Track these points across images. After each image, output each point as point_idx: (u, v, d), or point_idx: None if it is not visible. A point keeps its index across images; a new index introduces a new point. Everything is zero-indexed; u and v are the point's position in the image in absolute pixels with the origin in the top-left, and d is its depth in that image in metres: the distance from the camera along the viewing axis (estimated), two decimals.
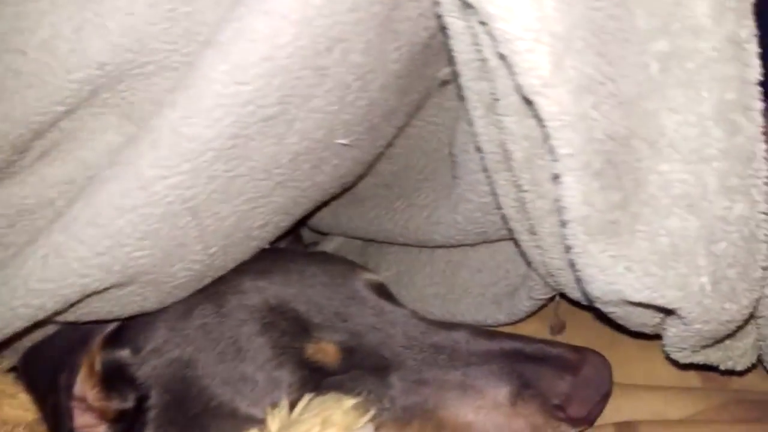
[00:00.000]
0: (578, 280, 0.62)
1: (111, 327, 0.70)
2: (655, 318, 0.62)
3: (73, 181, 0.60)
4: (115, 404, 0.68)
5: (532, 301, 0.75)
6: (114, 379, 0.68)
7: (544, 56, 0.48)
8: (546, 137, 0.52)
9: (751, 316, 0.62)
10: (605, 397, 0.66)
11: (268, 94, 0.53)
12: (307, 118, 0.58)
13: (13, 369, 0.74)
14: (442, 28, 0.59)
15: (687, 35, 0.53)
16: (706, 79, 0.54)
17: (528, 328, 0.76)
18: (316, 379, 0.66)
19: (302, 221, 0.79)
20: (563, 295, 0.73)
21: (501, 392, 0.66)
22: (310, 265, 0.73)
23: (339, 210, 0.86)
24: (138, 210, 0.55)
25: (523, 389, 0.65)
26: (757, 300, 0.60)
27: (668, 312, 0.60)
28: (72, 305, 0.61)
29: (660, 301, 0.56)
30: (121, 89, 0.58)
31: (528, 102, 0.52)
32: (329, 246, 0.95)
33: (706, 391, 0.71)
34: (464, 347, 0.68)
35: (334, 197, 0.79)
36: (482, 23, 0.50)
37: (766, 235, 0.56)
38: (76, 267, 0.56)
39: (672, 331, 0.62)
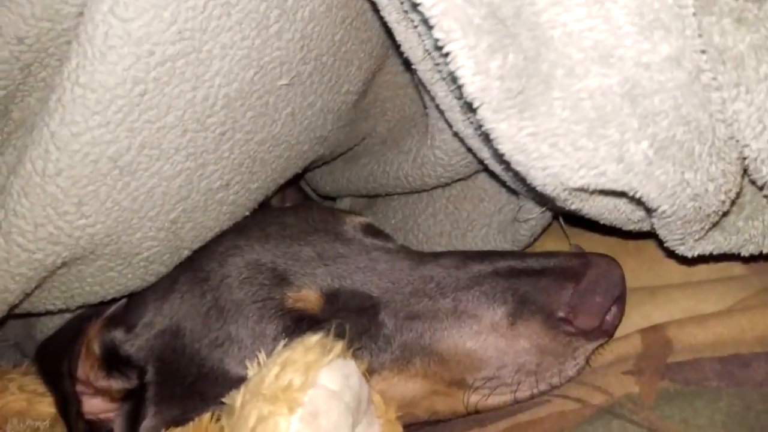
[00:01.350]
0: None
1: (111, 310, 0.70)
2: (634, 211, 0.53)
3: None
4: (119, 383, 0.67)
5: (529, 225, 0.67)
6: (113, 359, 0.68)
7: None
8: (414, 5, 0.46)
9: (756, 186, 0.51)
10: (619, 300, 0.58)
11: (162, 30, 0.51)
12: (224, 55, 0.55)
13: None
14: None
15: None
16: None
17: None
18: (301, 329, 0.62)
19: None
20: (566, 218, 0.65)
21: (497, 313, 0.59)
22: (290, 216, 0.70)
23: (336, 173, 0.83)
24: (63, 173, 0.54)
25: (522, 306, 0.59)
26: (746, 163, 0.49)
27: (636, 201, 0.50)
28: (39, 286, 0.61)
29: (602, 181, 0.48)
30: (56, 65, 0.56)
31: None
32: (340, 206, 0.91)
33: (746, 278, 0.60)
34: (453, 273, 0.62)
35: (327, 161, 0.75)
36: None
37: (712, 78, 0.46)
38: (21, 241, 0.56)
39: (656, 222, 0.52)
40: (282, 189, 0.76)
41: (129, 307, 0.70)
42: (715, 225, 0.53)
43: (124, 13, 0.50)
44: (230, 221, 0.67)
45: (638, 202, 0.50)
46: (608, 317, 0.58)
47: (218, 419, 0.61)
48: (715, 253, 0.57)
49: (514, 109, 0.46)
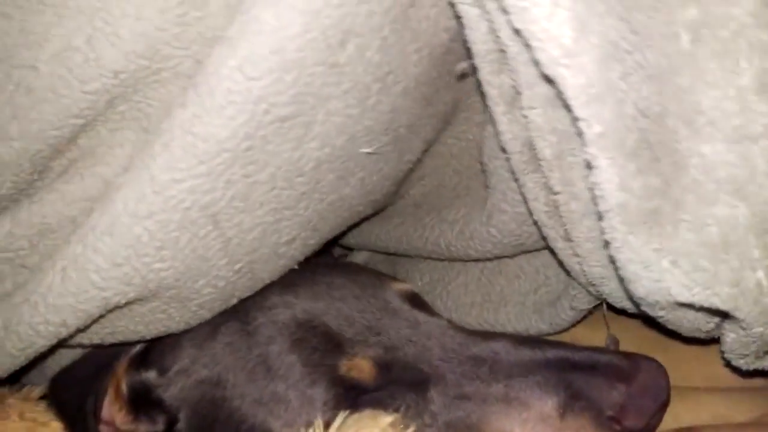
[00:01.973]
0: (622, 282, 0.58)
1: (136, 349, 0.68)
2: (709, 323, 0.57)
3: (93, 198, 0.58)
4: (144, 427, 0.66)
5: (574, 311, 0.71)
6: (141, 401, 0.66)
7: (564, 22, 0.45)
8: (574, 119, 0.48)
9: None
10: (663, 406, 0.62)
11: (282, 91, 0.51)
12: (326, 121, 0.55)
13: (43, 397, 0.73)
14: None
15: (718, 1, 0.49)
16: (743, 48, 0.49)
17: (575, 335, 0.72)
18: (351, 397, 0.62)
19: (332, 241, 0.75)
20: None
21: (548, 404, 0.61)
22: (338, 277, 0.70)
23: (365, 228, 0.83)
24: (154, 216, 0.53)
25: (573, 400, 0.61)
26: None
27: (723, 315, 0.55)
28: (94, 322, 0.59)
29: (713, 301, 0.51)
30: (138, 99, 0.56)
31: (550, 81, 0.48)
32: (357, 259, 0.92)
33: (766, 392, 0.65)
34: (506, 358, 0.64)
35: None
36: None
37: None
38: (95, 279, 0.55)
39: (730, 336, 0.57)
40: None
41: (158, 348, 0.68)
42: None
43: (251, 72, 0.50)
44: (280, 274, 0.67)
45: (727, 317, 0.54)
46: (651, 421, 0.62)
47: None
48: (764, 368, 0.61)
49: (645, 225, 0.49)
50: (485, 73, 0.56)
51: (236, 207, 0.56)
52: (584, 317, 0.73)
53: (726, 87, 0.49)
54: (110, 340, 0.64)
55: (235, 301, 0.66)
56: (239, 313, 0.67)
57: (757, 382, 0.67)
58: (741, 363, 0.60)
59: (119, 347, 0.68)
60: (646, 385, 0.61)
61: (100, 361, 0.67)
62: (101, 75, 0.53)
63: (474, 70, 0.58)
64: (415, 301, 0.71)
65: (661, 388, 0.61)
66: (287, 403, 0.63)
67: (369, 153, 0.61)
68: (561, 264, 0.67)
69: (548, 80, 0.49)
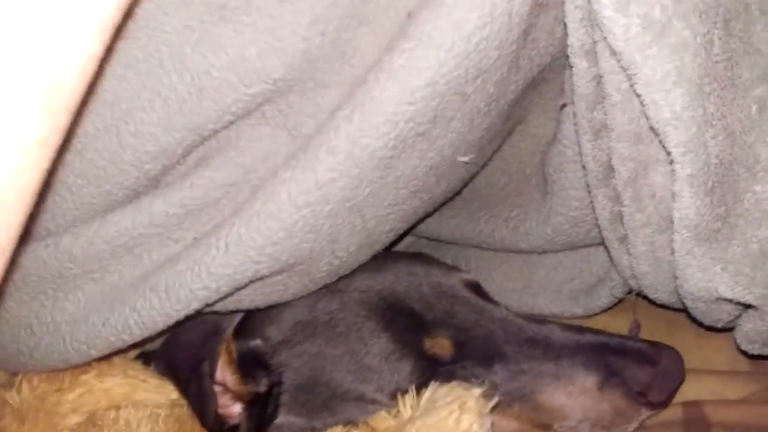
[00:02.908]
0: (665, 282, 0.73)
1: (238, 318, 0.78)
2: (731, 315, 0.73)
3: (235, 184, 0.68)
4: (250, 388, 0.76)
5: (611, 298, 0.85)
6: (249, 365, 0.76)
7: (678, 96, 0.60)
8: (670, 161, 0.63)
9: None
10: (679, 385, 0.77)
11: (426, 114, 0.62)
12: (445, 136, 0.66)
13: (137, 357, 0.82)
14: (552, 62, 0.69)
15: None
16: None
17: (601, 322, 0.87)
18: (432, 368, 0.75)
19: None
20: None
21: (589, 380, 0.76)
22: (416, 265, 0.83)
23: None
24: (312, 206, 0.64)
25: (609, 378, 0.76)
26: None
27: (748, 307, 0.71)
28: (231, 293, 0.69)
29: (748, 297, 0.68)
30: (281, 103, 0.65)
31: (654, 131, 0.62)
32: (402, 243, 1.03)
33: (754, 375, 0.82)
34: (555, 340, 0.78)
35: None
36: (621, 67, 0.60)
37: None
38: (253, 255, 0.64)
39: (748, 326, 0.73)
40: None
41: (258, 319, 0.79)
42: None
43: (409, 98, 0.60)
44: (365, 261, 0.78)
45: (747, 307, 0.70)
46: (670, 396, 0.77)
47: None
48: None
49: (707, 241, 0.65)
50: (581, 109, 0.69)
51: (367, 202, 0.67)
52: (612, 306, 0.88)
53: None
54: (230, 307, 0.73)
55: (336, 278, 0.76)
56: (335, 294, 0.78)
57: (742, 366, 0.84)
58: (749, 348, 0.76)
59: (219, 318, 0.78)
60: (667, 368, 0.76)
61: (206, 328, 0.76)
62: (263, 81, 0.62)
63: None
64: (478, 290, 0.84)
65: (678, 371, 0.77)
66: (380, 372, 0.75)
67: (465, 163, 0.72)
68: (611, 259, 0.81)
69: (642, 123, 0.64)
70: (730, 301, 0.69)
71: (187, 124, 0.63)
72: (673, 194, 0.64)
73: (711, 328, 0.78)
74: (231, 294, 0.68)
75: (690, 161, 0.62)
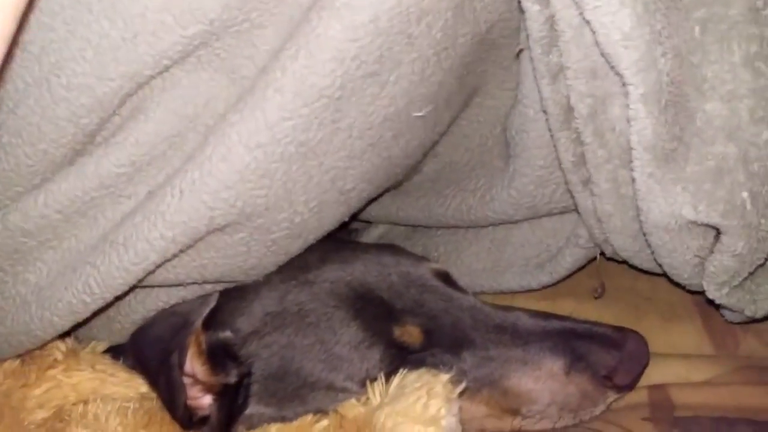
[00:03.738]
0: (629, 224, 0.76)
1: (208, 310, 0.78)
2: (699, 252, 0.73)
3: (180, 134, 0.68)
4: (220, 379, 0.75)
5: (576, 258, 0.87)
6: (218, 357, 0.76)
7: (626, 16, 0.62)
8: (623, 83, 0.65)
9: None
10: (644, 368, 0.78)
11: (371, 52, 0.63)
12: (395, 83, 0.67)
13: (106, 351, 0.81)
14: (500, 22, 0.73)
15: (719, 5, 0.68)
16: (735, 37, 0.67)
17: (568, 308, 0.88)
18: (402, 356, 0.76)
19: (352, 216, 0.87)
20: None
21: (556, 364, 0.77)
22: (385, 256, 0.83)
23: (386, 201, 0.94)
24: (263, 147, 0.64)
25: (576, 362, 0.77)
26: None
27: (714, 241, 0.72)
28: (189, 248, 0.69)
29: (712, 215, 0.69)
30: (217, 46, 0.65)
31: (605, 61, 0.65)
32: (375, 233, 1.03)
33: (719, 358, 0.83)
34: (523, 327, 0.79)
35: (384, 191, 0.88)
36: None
37: None
38: (207, 199, 0.65)
39: (715, 262, 0.72)
40: None
41: (228, 311, 0.79)
42: (744, 279, 0.74)
43: (353, 35, 0.61)
44: (337, 223, 0.78)
45: (715, 239, 0.72)
46: (635, 379, 0.79)
47: (317, 421, 0.73)
48: (729, 306, 0.78)
49: (665, 161, 0.67)
50: (537, 54, 0.71)
51: (321, 149, 0.67)
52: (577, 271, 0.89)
53: (723, 62, 0.68)
54: (193, 275, 0.73)
55: (300, 243, 0.76)
56: (304, 285, 0.79)
57: (707, 349, 0.86)
58: (717, 295, 0.76)
59: (188, 310, 0.78)
60: (632, 352, 0.77)
61: (175, 321, 0.76)
62: (199, 21, 0.62)
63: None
64: (447, 279, 0.84)
65: (643, 355, 0.78)
66: (349, 361, 0.76)
67: (419, 116, 0.72)
68: (566, 229, 0.84)
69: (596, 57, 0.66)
70: (696, 227, 0.70)
71: (123, 72, 0.62)
72: (629, 118, 0.66)
73: (678, 285, 0.80)
74: (191, 246, 0.68)
75: (642, 80, 0.64)
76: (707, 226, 0.70)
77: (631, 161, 0.69)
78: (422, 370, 0.71)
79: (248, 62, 0.66)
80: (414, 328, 0.77)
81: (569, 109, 0.72)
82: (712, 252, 0.73)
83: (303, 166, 0.67)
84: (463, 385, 0.69)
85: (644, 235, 0.74)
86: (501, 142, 0.86)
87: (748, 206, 0.68)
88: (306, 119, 0.64)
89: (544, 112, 0.74)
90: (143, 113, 0.66)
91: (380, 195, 0.91)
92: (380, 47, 0.63)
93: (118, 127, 0.67)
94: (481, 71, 0.80)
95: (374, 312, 0.77)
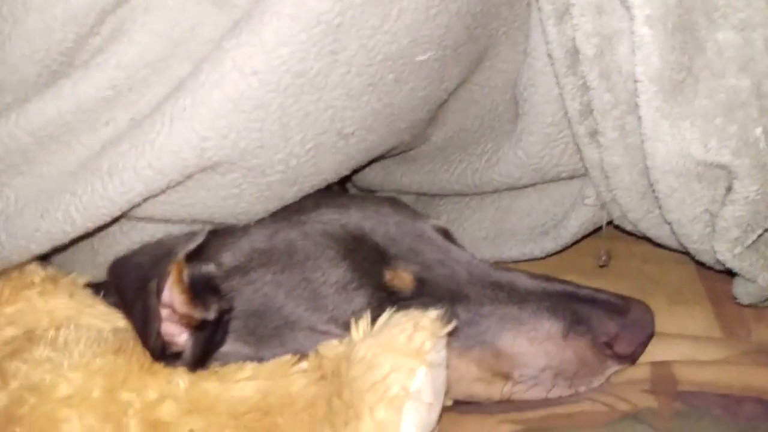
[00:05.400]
0: (637, 181, 0.72)
1: (194, 243, 0.75)
2: (710, 207, 0.69)
3: (165, 59, 0.66)
4: (199, 313, 0.72)
5: (581, 224, 0.82)
6: (199, 290, 0.73)
7: None
8: (627, 9, 0.63)
9: None
10: (648, 338, 0.73)
11: None
12: (397, 18, 0.65)
13: (88, 285, 0.79)
14: None
15: None
16: None
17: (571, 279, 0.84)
18: (391, 302, 0.71)
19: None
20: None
21: (554, 326, 0.72)
22: (384, 206, 0.80)
23: (392, 168, 0.93)
24: (258, 75, 0.62)
25: (575, 325, 0.72)
26: None
27: (726, 191, 0.68)
28: (179, 185, 0.66)
29: (723, 153, 0.65)
30: None
31: None
32: None
33: (729, 341, 0.78)
34: (522, 285, 0.75)
35: (386, 156, 0.86)
36: None
37: None
38: (198, 129, 0.62)
39: (727, 215, 0.68)
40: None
41: (215, 246, 0.76)
42: (756, 241, 0.70)
43: None
44: (335, 172, 0.76)
45: (727, 191, 0.67)
46: (637, 349, 0.74)
47: (296, 362, 0.69)
48: (741, 272, 0.73)
49: (673, 94, 0.64)
50: None
51: (318, 82, 0.64)
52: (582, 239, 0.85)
53: None
54: (182, 214, 0.71)
55: (295, 190, 0.73)
56: (296, 224, 0.76)
57: (716, 332, 0.81)
58: (728, 256, 0.71)
59: (174, 242, 0.75)
60: (636, 320, 0.72)
61: (158, 251, 0.73)
62: None
63: None
64: (447, 235, 0.81)
65: (648, 323, 0.73)
66: (334, 302, 0.72)
67: (422, 61, 0.70)
68: (571, 195, 0.80)
69: None
70: (707, 172, 0.66)
71: None
72: (634, 48, 0.63)
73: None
74: (180, 183, 0.66)
75: (647, 2, 0.62)
76: (718, 167, 0.66)
77: (638, 108, 0.67)
78: (410, 309, 0.67)
79: None
80: (406, 274, 0.74)
81: (575, 52, 0.69)
82: (724, 205, 0.69)
83: (299, 101, 0.65)
84: (453, 324, 0.64)
85: (652, 187, 0.71)
86: (512, 107, 0.84)
87: (762, 144, 0.65)
88: (303, 46, 0.62)
89: (550, 56, 0.72)
90: (126, 35, 0.65)
91: (385, 158, 0.88)
92: None
93: (99, 49, 0.65)
94: (493, 29, 0.78)
95: (365, 254, 0.74)
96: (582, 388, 0.73)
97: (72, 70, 0.66)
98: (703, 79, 0.65)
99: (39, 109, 0.64)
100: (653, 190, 0.71)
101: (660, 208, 0.72)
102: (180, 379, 0.68)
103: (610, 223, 0.83)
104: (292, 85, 0.64)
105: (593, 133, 0.74)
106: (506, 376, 0.73)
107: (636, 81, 0.65)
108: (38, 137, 0.66)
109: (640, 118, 0.66)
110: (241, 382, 0.68)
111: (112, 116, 0.66)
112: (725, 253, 0.71)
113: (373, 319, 0.68)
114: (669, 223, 0.74)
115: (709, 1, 0.65)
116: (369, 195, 0.86)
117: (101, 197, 0.64)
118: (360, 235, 0.75)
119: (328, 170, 0.75)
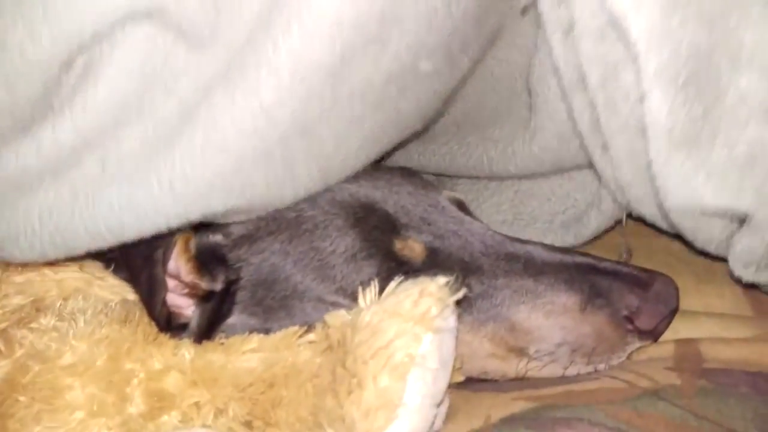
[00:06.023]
0: (650, 196, 0.68)
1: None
2: (724, 232, 0.66)
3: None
4: (205, 283, 0.71)
5: (600, 219, 0.79)
6: (206, 260, 0.71)
7: None
8: (633, 58, 0.57)
9: None
10: (672, 313, 0.70)
11: (371, 17, 0.58)
12: (400, 39, 0.62)
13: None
14: None
15: None
16: None
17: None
18: (401, 273, 0.69)
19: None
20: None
21: (572, 299, 0.69)
22: (396, 176, 0.78)
23: (410, 147, 0.90)
24: (258, 132, 0.60)
25: (594, 298, 0.69)
26: None
27: (739, 223, 0.64)
28: None
29: (736, 205, 0.61)
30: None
31: (613, 25, 0.57)
32: None
33: (759, 320, 0.74)
34: (538, 257, 0.72)
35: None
36: None
37: None
38: (201, 200, 0.63)
39: (742, 242, 0.65)
40: None
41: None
42: None
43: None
44: (349, 171, 0.74)
45: (739, 223, 0.63)
46: (660, 325, 0.70)
47: (303, 333, 0.68)
48: (762, 285, 0.70)
49: (686, 146, 0.59)
50: (546, 7, 0.65)
51: (319, 121, 0.63)
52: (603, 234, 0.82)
53: (765, 24, 0.59)
54: None
55: (310, 175, 0.71)
56: None
57: (745, 311, 0.76)
58: (744, 273, 0.68)
59: None
60: (659, 293, 0.69)
61: None
62: None
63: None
64: (462, 206, 0.79)
65: (672, 296, 0.69)
66: (343, 271, 0.70)
67: (426, 70, 0.67)
68: (593, 185, 0.75)
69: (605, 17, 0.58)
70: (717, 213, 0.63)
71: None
72: (641, 96, 0.58)
73: (705, 254, 0.72)
74: None
75: (655, 54, 0.57)
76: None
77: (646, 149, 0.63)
78: (420, 277, 0.65)
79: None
80: (417, 244, 0.71)
81: (582, 70, 0.66)
82: (740, 227, 0.66)
83: (302, 140, 0.64)
84: (463, 292, 0.61)
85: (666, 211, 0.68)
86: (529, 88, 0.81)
87: None
88: (304, 99, 0.60)
89: (557, 71, 0.69)
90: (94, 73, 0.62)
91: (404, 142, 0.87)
92: (381, 7, 0.58)
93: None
94: (507, 8, 0.75)
95: (375, 223, 0.72)
96: (601, 366, 0.69)
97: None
98: (723, 129, 0.61)
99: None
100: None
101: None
102: (186, 350, 0.67)
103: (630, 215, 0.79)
104: (293, 136, 0.63)
105: (605, 147, 0.71)
106: (521, 352, 0.70)
107: (644, 127, 0.61)
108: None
109: (650, 163, 0.63)
110: (246, 353, 0.67)
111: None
112: (741, 270, 0.69)
113: (382, 290, 0.66)
114: None
115: (734, 39, 0.59)
116: (381, 165, 0.84)
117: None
118: (370, 203, 0.73)
119: (337, 180, 0.74)
